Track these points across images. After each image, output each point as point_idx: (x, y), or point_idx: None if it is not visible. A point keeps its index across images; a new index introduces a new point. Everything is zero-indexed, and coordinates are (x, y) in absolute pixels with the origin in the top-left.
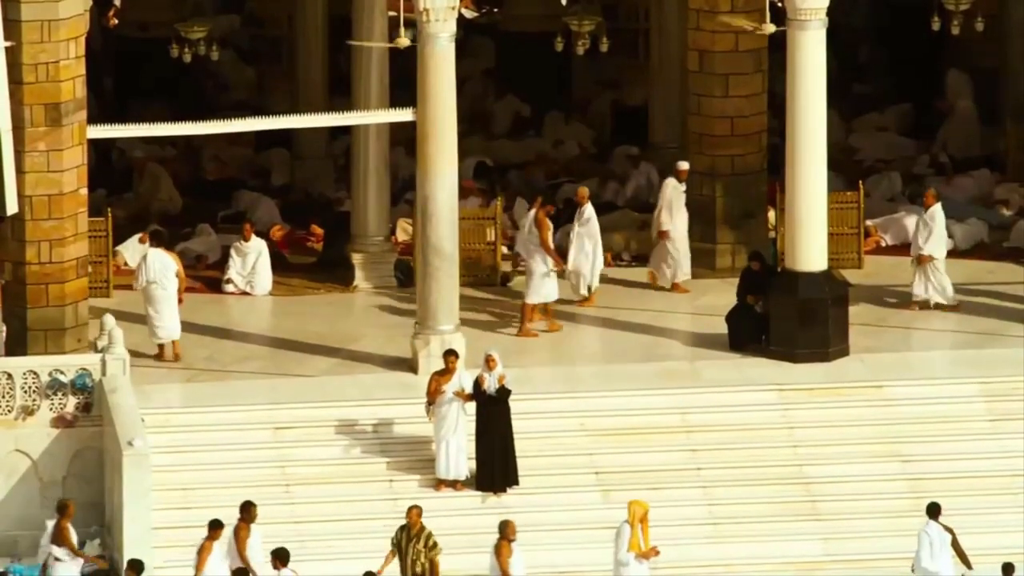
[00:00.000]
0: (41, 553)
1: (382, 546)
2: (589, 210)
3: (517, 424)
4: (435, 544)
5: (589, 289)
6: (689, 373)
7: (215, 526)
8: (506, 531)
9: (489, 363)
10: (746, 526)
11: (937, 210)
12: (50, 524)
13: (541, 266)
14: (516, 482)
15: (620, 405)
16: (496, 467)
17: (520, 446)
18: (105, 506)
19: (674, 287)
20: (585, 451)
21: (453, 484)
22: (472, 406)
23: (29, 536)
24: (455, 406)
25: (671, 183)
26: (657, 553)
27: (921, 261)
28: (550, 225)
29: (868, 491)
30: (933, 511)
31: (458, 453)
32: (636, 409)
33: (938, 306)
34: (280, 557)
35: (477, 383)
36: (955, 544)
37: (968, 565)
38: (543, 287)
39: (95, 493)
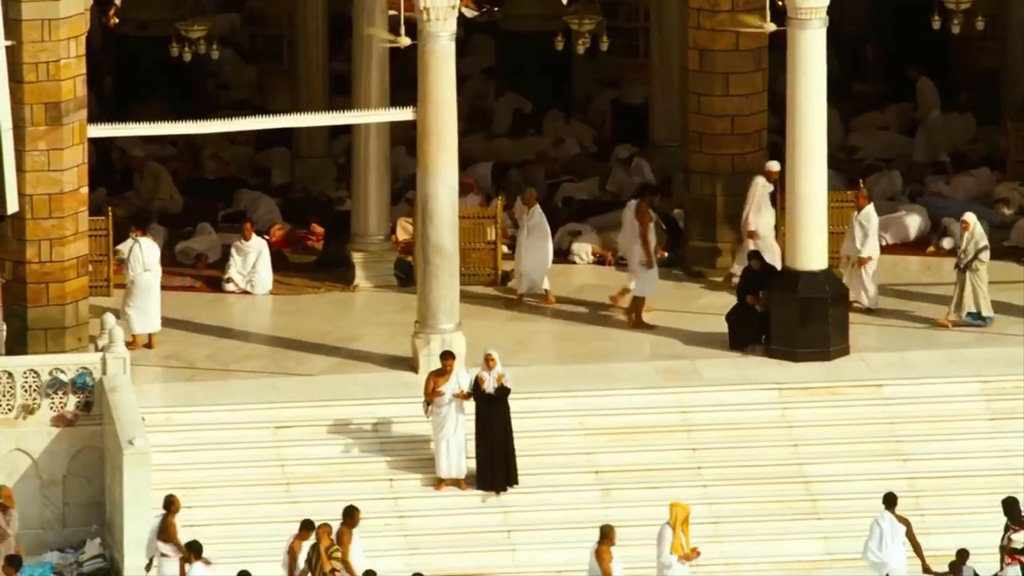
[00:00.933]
0: (148, 549)
1: (382, 544)
2: (537, 212)
3: (516, 423)
4: (337, 548)
5: (546, 292)
6: (689, 372)
7: (307, 527)
8: (609, 536)
9: (488, 362)
10: (746, 525)
11: (870, 211)
12: (155, 520)
13: (644, 257)
14: (516, 481)
15: (620, 404)
16: (496, 466)
17: (519, 444)
18: (105, 505)
19: None
20: (584, 450)
21: (457, 483)
22: (471, 405)
23: (31, 535)
24: (453, 406)
25: (760, 182)
26: (698, 554)
27: (861, 263)
28: (652, 216)
29: (868, 490)
30: (889, 501)
31: (458, 452)
32: (636, 408)
33: (858, 307)
34: (194, 550)
35: (476, 382)
36: (910, 536)
37: (922, 559)
38: (649, 278)
39: (95, 492)
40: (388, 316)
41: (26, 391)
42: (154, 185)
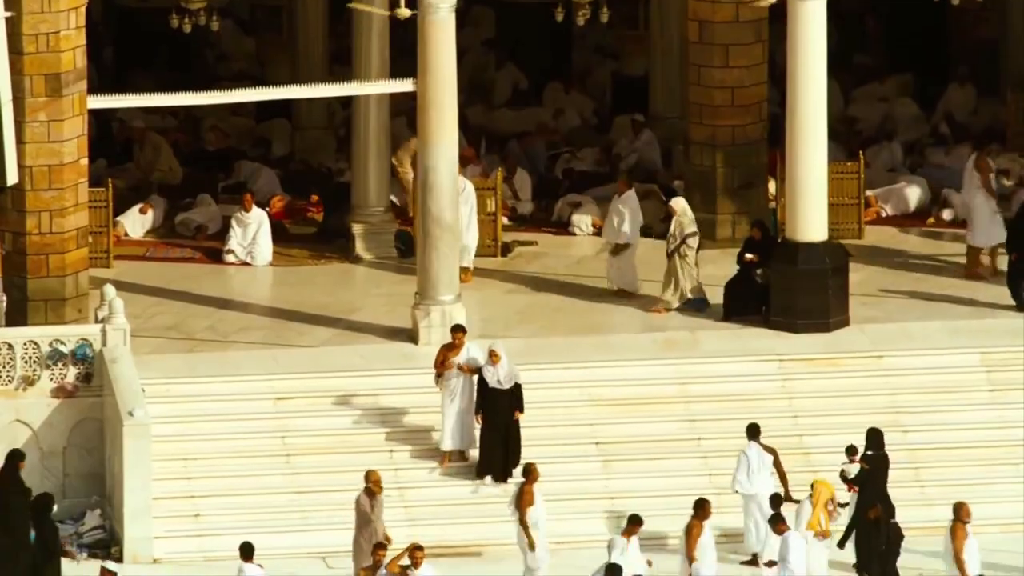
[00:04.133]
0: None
1: (384, 516)
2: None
3: None
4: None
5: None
6: (689, 343)
7: (529, 472)
8: (960, 513)
9: (492, 358)
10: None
11: (631, 196)
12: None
13: (986, 208)
14: (516, 464)
15: (620, 375)
16: (498, 457)
17: (521, 417)
18: (105, 476)
19: None
20: (585, 421)
21: (461, 454)
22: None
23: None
24: (463, 379)
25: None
26: (829, 535)
27: (617, 250)
28: (992, 166)
29: None
30: (753, 432)
31: (467, 427)
32: (636, 379)
33: (621, 291)
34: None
35: (481, 378)
36: (777, 464)
37: (786, 486)
38: (991, 228)
39: (95, 463)
40: (388, 287)
41: (26, 362)
42: (154, 156)
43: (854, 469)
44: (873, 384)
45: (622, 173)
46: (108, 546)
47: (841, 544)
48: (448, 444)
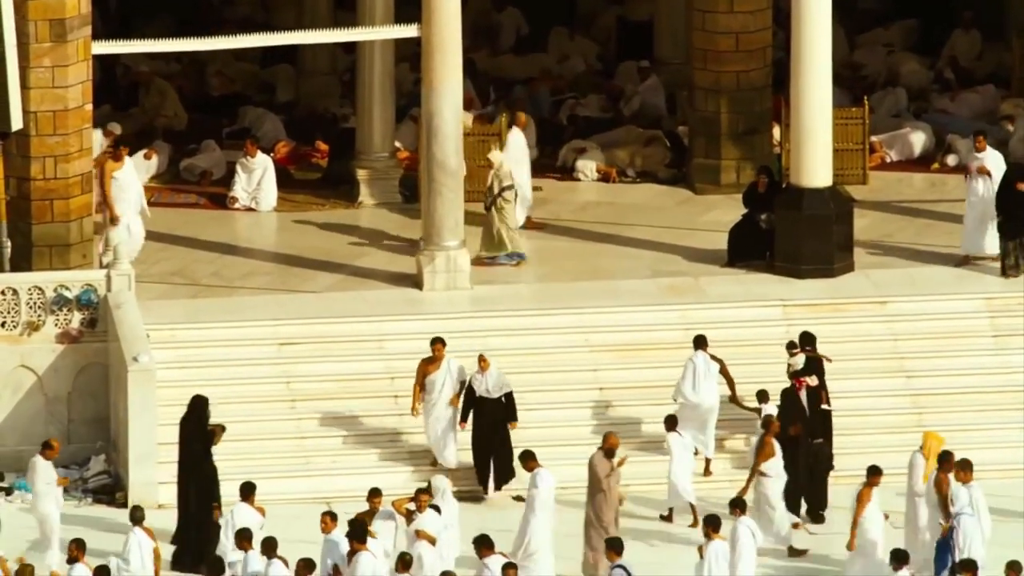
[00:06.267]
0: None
1: (386, 461)
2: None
3: (521, 340)
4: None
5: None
6: (693, 288)
7: (874, 472)
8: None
9: (481, 364)
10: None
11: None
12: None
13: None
14: (512, 475)
15: (624, 321)
16: (486, 468)
17: (524, 362)
18: (110, 422)
19: None
20: (588, 366)
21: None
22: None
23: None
24: (444, 398)
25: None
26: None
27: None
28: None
29: (871, 407)
30: (699, 342)
31: (452, 444)
32: (640, 325)
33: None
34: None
35: (470, 386)
36: (724, 372)
37: (734, 393)
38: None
39: (100, 409)
40: (392, 233)
41: (31, 308)
42: (160, 101)
43: (800, 361)
44: (877, 330)
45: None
46: (113, 491)
47: None
48: (453, 461)
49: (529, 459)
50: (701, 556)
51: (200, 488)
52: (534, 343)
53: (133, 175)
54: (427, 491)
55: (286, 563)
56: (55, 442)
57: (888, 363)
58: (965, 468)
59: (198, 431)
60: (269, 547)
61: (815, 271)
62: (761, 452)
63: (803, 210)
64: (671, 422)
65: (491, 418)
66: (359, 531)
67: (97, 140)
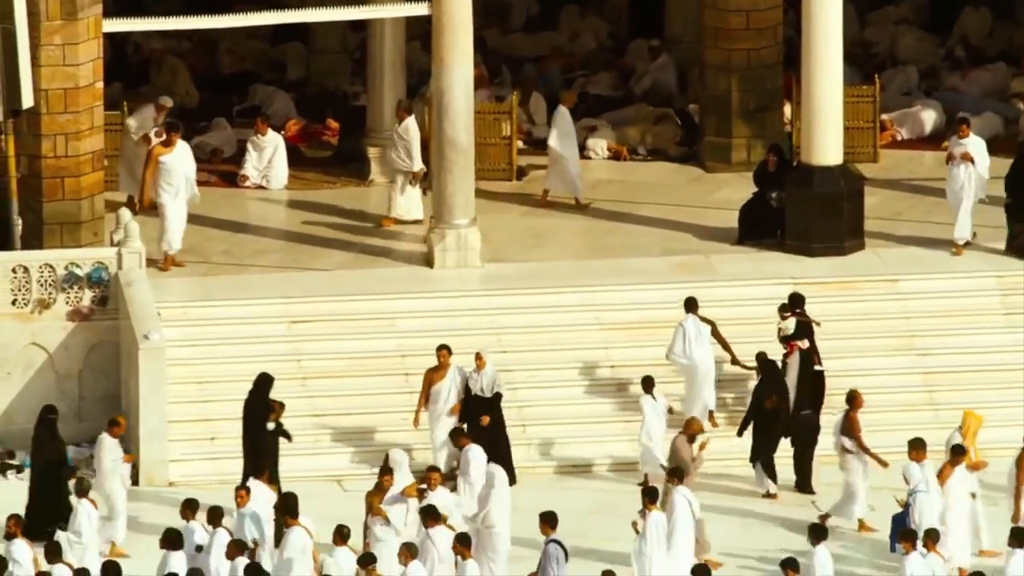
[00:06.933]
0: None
1: (397, 439)
2: (409, 121)
3: (532, 318)
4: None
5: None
6: (704, 266)
7: (957, 451)
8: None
9: (478, 363)
10: None
11: (410, 123)
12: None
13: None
14: (513, 481)
15: (635, 299)
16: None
17: (534, 340)
18: (121, 399)
19: None
20: (599, 344)
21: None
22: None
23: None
24: (448, 408)
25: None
26: (986, 465)
27: (415, 177)
28: None
29: (883, 384)
30: (690, 305)
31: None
32: (651, 303)
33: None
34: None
35: (466, 383)
36: (715, 334)
37: (731, 352)
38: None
39: (111, 386)
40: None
41: (42, 285)
42: (171, 79)
43: (791, 324)
44: (888, 308)
45: (401, 103)
46: None
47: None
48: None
49: (460, 436)
50: (637, 532)
51: (252, 463)
52: (545, 321)
53: (182, 161)
54: (436, 469)
55: (230, 532)
56: (121, 419)
57: (899, 341)
58: (918, 447)
59: (259, 407)
60: (215, 516)
61: (826, 249)
62: (855, 427)
63: (814, 188)
64: (648, 383)
65: (481, 418)
66: (291, 505)
67: (149, 115)
